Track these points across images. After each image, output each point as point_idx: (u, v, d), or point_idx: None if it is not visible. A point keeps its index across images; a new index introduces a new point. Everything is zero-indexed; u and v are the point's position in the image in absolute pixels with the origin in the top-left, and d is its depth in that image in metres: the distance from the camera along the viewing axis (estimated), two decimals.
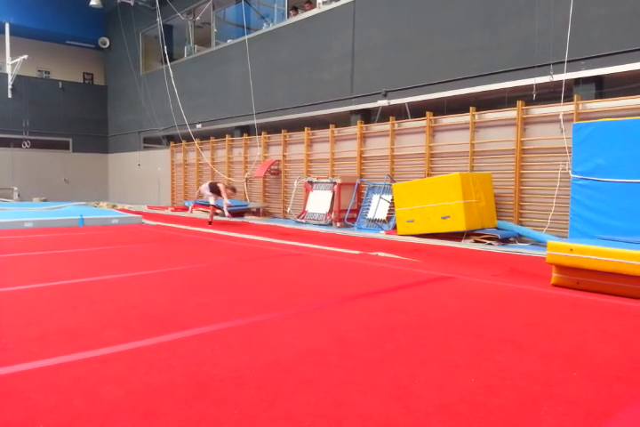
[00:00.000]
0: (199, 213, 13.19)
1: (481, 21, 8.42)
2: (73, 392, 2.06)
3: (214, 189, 10.64)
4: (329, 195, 10.41)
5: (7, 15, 17.52)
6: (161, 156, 17.54)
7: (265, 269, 5.16)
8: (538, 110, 7.74)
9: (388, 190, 9.46)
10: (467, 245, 7.28)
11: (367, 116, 10.73)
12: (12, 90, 18.07)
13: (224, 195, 10.53)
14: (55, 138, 19.52)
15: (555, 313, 3.45)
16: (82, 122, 20.02)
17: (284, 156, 12.46)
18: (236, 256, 6.10)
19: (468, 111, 8.51)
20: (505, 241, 7.50)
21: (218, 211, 11.24)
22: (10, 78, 17.92)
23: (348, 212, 10.09)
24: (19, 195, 18.35)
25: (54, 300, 3.68)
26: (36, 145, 19.01)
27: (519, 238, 7.65)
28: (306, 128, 11.77)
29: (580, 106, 7.21)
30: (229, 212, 10.68)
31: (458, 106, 9.09)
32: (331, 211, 10.32)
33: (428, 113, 9.12)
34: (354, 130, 10.66)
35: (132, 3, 17.11)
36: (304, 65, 11.84)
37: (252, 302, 3.68)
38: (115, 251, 6.37)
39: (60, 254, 6.01)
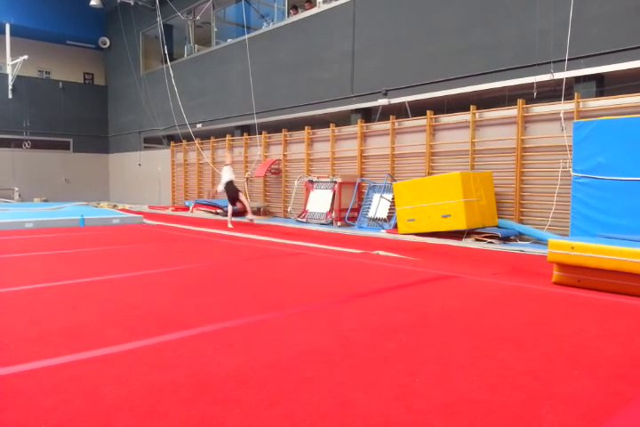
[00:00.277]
0: (200, 213, 13.20)
1: (481, 20, 8.41)
2: (74, 392, 2.06)
3: (232, 193, 10.16)
4: (329, 194, 10.40)
5: (7, 15, 17.51)
6: (161, 155, 17.54)
7: (266, 269, 5.16)
8: (538, 109, 7.73)
9: (388, 189, 9.46)
10: (467, 243, 7.28)
11: (367, 115, 10.72)
12: (12, 90, 18.06)
13: (246, 203, 10.29)
14: (56, 138, 19.53)
15: (556, 311, 3.44)
16: (82, 122, 20.02)
17: (284, 155, 12.46)
18: (237, 256, 6.10)
19: (469, 110, 8.50)
20: (506, 240, 7.50)
21: (219, 210, 11.22)
22: (10, 79, 17.91)
23: (348, 211, 10.09)
24: (19, 195, 18.36)
25: (55, 300, 3.68)
26: (36, 145, 19.02)
27: (520, 237, 7.64)
28: (306, 127, 11.76)
29: (581, 104, 7.20)
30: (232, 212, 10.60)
31: (458, 104, 9.08)
32: (331, 210, 10.31)
33: (428, 112, 9.11)
34: (354, 129, 10.66)
35: (132, 2, 17.09)
36: (304, 64, 11.83)
37: (253, 301, 3.68)
38: (116, 251, 6.37)
39: (61, 255, 6.00)
